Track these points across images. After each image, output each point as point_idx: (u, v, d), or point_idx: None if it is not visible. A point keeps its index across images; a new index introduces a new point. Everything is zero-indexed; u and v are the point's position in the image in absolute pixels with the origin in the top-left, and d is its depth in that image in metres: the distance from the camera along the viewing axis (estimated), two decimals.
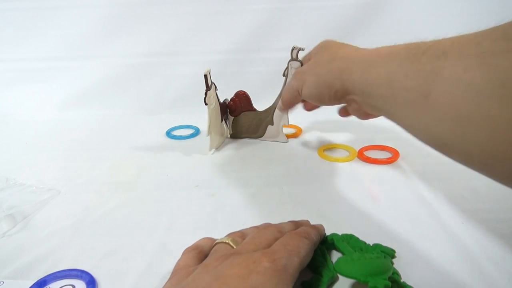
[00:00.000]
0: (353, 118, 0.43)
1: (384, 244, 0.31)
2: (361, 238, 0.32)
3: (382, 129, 0.54)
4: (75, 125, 0.66)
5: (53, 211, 0.39)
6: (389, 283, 0.24)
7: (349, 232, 0.32)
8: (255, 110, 0.54)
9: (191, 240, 0.30)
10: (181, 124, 0.62)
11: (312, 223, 0.33)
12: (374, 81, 0.29)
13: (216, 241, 0.28)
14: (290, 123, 0.54)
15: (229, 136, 0.57)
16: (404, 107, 0.26)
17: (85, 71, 0.73)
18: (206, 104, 0.47)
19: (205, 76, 0.47)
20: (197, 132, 0.59)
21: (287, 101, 0.45)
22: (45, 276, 0.29)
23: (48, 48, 0.72)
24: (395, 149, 0.49)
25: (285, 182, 0.43)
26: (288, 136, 0.55)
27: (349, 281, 0.28)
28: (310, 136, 0.57)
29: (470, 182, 0.40)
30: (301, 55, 0.48)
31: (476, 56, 0.21)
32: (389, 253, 0.30)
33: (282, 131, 0.54)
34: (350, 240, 0.31)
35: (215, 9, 0.70)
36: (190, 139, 0.57)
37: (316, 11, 0.69)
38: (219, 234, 0.30)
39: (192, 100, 0.60)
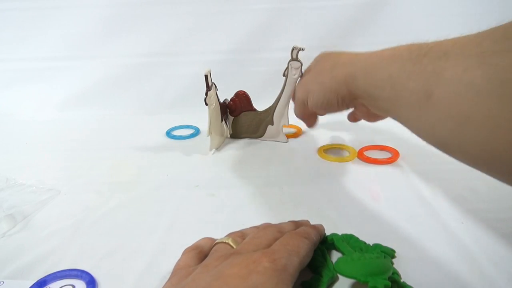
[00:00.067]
0: None
1: (384, 244, 0.31)
2: (361, 238, 0.32)
3: (382, 129, 0.54)
4: (75, 125, 0.66)
5: (53, 211, 0.39)
6: (389, 283, 0.24)
7: (349, 232, 0.32)
8: (255, 110, 0.54)
9: (191, 240, 0.30)
10: (181, 124, 0.62)
11: (312, 223, 0.33)
12: (377, 83, 0.29)
13: (216, 241, 0.28)
14: (290, 123, 0.54)
15: (229, 136, 0.57)
16: (407, 108, 0.26)
17: (85, 71, 0.73)
18: (206, 104, 0.47)
19: (206, 76, 0.47)
20: (197, 132, 0.59)
21: (298, 114, 0.45)
22: (45, 276, 0.29)
23: (48, 48, 0.72)
24: (395, 149, 0.49)
25: (285, 182, 0.43)
26: (288, 136, 0.55)
27: (349, 281, 0.28)
28: (310, 136, 0.57)
29: (470, 182, 0.40)
30: (301, 55, 0.48)
31: (477, 56, 0.21)
32: (389, 253, 0.30)
33: (282, 131, 0.54)
34: (350, 240, 0.31)
35: (215, 9, 0.70)
36: (190, 139, 0.57)
37: (316, 11, 0.69)
38: (219, 234, 0.30)
39: (192, 100, 0.60)
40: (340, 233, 0.32)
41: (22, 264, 0.31)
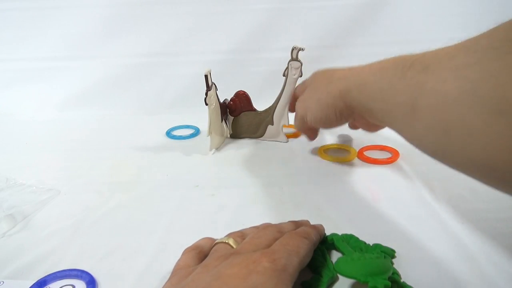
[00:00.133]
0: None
1: (384, 244, 0.31)
2: (361, 238, 0.32)
3: (382, 129, 0.54)
4: (75, 125, 0.66)
5: (53, 211, 0.39)
6: (389, 283, 0.24)
7: (349, 232, 0.32)
8: (255, 110, 0.54)
9: (191, 240, 0.30)
10: (181, 124, 0.62)
11: (312, 223, 0.33)
12: (370, 96, 0.30)
13: (216, 241, 0.28)
14: (290, 123, 0.54)
15: (229, 136, 0.57)
16: (397, 119, 0.28)
17: (85, 71, 0.73)
18: (206, 104, 0.47)
19: (206, 76, 0.47)
20: (197, 132, 0.59)
21: (301, 129, 0.47)
22: (45, 276, 0.29)
23: (48, 48, 0.72)
24: (395, 149, 0.49)
25: (285, 182, 0.43)
26: (288, 136, 0.55)
27: (349, 281, 0.28)
28: None
29: (470, 182, 0.39)
30: (301, 55, 0.48)
31: (452, 68, 0.23)
32: (389, 253, 0.30)
33: (282, 131, 0.54)
34: (350, 240, 0.31)
35: (215, 9, 0.70)
36: (190, 139, 0.57)
37: (316, 11, 0.69)
38: (219, 234, 0.30)
39: (192, 100, 0.60)
40: (340, 233, 0.32)
41: (22, 264, 0.31)
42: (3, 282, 0.28)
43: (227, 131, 0.56)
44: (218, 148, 0.53)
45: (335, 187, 0.42)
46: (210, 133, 0.50)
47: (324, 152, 0.50)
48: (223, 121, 0.54)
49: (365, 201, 0.39)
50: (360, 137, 0.54)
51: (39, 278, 0.28)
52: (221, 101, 0.53)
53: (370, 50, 0.69)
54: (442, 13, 0.68)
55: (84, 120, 0.68)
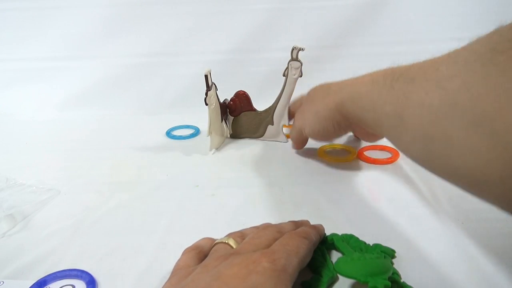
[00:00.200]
0: None
1: (384, 244, 0.31)
2: (361, 238, 0.32)
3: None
4: (75, 125, 0.66)
5: (53, 211, 0.39)
6: (389, 283, 0.24)
7: (349, 232, 0.32)
8: (255, 110, 0.54)
9: (191, 240, 0.30)
10: (181, 124, 0.62)
11: (312, 223, 0.33)
12: (363, 108, 0.32)
13: (216, 241, 0.28)
14: (290, 123, 0.54)
15: (229, 136, 0.57)
16: (387, 129, 0.29)
17: (85, 71, 0.73)
18: (206, 104, 0.47)
19: (206, 76, 0.47)
20: (197, 132, 0.59)
21: (295, 140, 0.49)
22: (45, 276, 0.29)
23: (48, 48, 0.72)
24: (395, 149, 0.49)
25: (285, 182, 0.43)
26: (288, 136, 0.55)
27: (349, 281, 0.28)
28: None
29: None
30: (301, 55, 0.48)
31: (435, 80, 0.23)
32: (389, 253, 0.30)
33: (282, 131, 0.54)
34: (350, 240, 0.31)
35: (215, 9, 0.70)
36: (190, 139, 0.57)
37: (316, 11, 0.69)
38: (219, 234, 0.30)
39: (192, 100, 0.60)
40: (340, 233, 0.32)
41: (22, 264, 0.31)
42: (3, 282, 0.28)
43: (227, 131, 0.56)
44: (218, 148, 0.53)
45: (335, 187, 0.42)
46: (210, 133, 0.50)
47: (324, 152, 0.50)
48: (223, 121, 0.54)
49: (365, 201, 0.39)
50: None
51: (39, 278, 0.28)
52: (221, 101, 0.53)
53: (370, 50, 0.69)
54: (442, 13, 0.68)
55: (84, 120, 0.68)
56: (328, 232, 0.32)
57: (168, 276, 0.26)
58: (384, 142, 0.51)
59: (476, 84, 0.20)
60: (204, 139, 0.52)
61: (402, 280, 0.27)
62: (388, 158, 0.47)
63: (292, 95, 0.51)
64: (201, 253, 0.28)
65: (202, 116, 0.49)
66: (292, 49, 0.48)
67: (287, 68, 0.49)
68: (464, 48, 0.23)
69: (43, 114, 0.70)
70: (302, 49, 0.47)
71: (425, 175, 0.42)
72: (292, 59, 0.48)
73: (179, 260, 0.28)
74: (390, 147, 0.50)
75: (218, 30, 0.71)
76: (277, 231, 0.28)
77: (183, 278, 0.24)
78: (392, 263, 0.29)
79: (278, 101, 0.52)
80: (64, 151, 0.55)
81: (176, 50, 0.72)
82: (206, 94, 0.47)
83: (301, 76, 0.49)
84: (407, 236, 0.33)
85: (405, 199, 0.39)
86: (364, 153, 0.49)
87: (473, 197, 0.37)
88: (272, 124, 0.54)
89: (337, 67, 0.70)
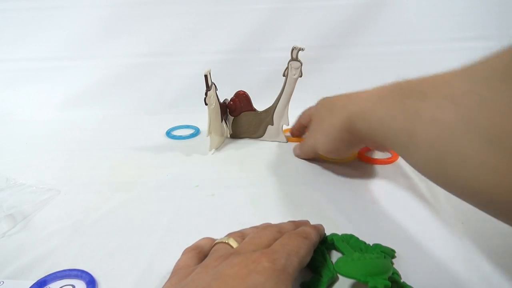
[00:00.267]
0: None
1: (384, 244, 0.31)
2: (361, 238, 0.32)
3: None
4: (75, 125, 0.66)
5: (53, 211, 0.39)
6: (389, 283, 0.24)
7: (349, 232, 0.32)
8: (255, 110, 0.54)
9: (191, 240, 0.30)
10: (181, 124, 0.62)
11: (312, 223, 0.33)
12: (371, 125, 0.31)
13: (216, 241, 0.28)
14: (290, 124, 0.54)
15: (229, 136, 0.57)
16: (396, 146, 0.29)
17: (85, 71, 0.73)
18: (206, 104, 0.47)
19: (205, 76, 0.46)
20: (197, 132, 0.59)
21: (306, 156, 0.48)
22: (45, 276, 0.29)
23: (48, 48, 0.72)
24: None
25: (285, 182, 0.43)
26: (290, 140, 0.55)
27: (349, 281, 0.28)
28: None
29: None
30: (301, 55, 0.48)
31: (449, 96, 0.23)
32: (389, 253, 0.30)
33: (282, 131, 0.54)
34: (350, 240, 0.31)
35: (215, 9, 0.70)
36: (190, 139, 0.57)
37: (316, 11, 0.69)
38: (219, 234, 0.30)
39: (192, 100, 0.60)
40: (340, 233, 0.32)
41: (22, 264, 0.31)
42: (3, 282, 0.28)
43: (227, 131, 0.56)
44: (218, 148, 0.53)
45: (335, 187, 0.42)
46: (210, 133, 0.50)
47: None
48: (223, 121, 0.54)
49: (365, 201, 0.39)
50: None
51: (39, 278, 0.28)
52: (221, 101, 0.53)
53: (370, 50, 0.69)
54: (442, 13, 0.68)
55: (84, 120, 0.68)
56: (328, 232, 0.32)
57: (168, 276, 0.26)
58: None
59: (493, 101, 0.20)
60: (204, 139, 0.52)
61: (402, 280, 0.27)
62: (388, 158, 0.47)
63: (292, 95, 0.51)
64: (201, 253, 0.28)
65: (202, 116, 0.49)
66: (292, 49, 0.48)
67: (287, 68, 0.49)
68: (480, 63, 0.22)
69: (43, 114, 0.70)
70: (302, 49, 0.47)
71: None
72: (292, 59, 0.48)
73: (179, 260, 0.28)
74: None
75: (218, 30, 0.71)
76: (277, 231, 0.28)
77: (183, 278, 0.24)
78: (392, 263, 0.29)
79: (278, 101, 0.52)
80: (64, 151, 0.55)
81: (176, 50, 0.72)
82: (206, 94, 0.47)
83: (301, 76, 0.49)
84: (407, 236, 0.33)
85: (405, 199, 0.39)
86: (364, 153, 0.49)
87: None
88: (272, 124, 0.54)
89: (337, 67, 0.70)
